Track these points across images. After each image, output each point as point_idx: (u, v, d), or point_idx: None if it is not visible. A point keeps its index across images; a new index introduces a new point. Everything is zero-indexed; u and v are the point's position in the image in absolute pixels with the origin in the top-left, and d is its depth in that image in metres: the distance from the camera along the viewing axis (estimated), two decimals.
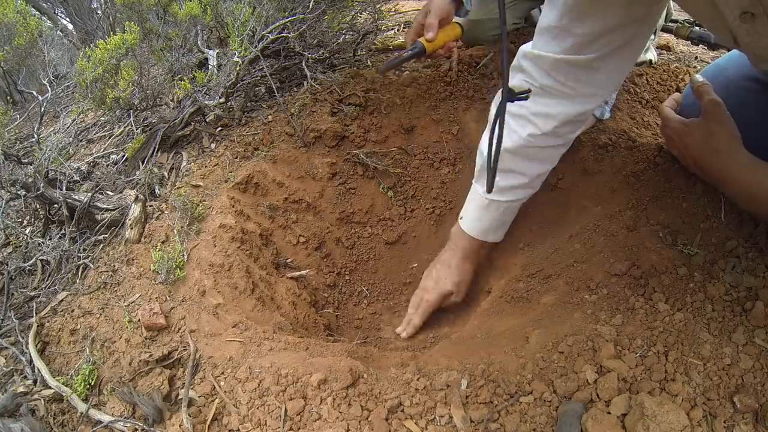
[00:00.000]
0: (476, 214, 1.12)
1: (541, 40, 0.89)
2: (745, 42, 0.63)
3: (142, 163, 1.34)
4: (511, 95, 0.65)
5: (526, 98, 0.68)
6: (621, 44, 0.86)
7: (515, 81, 0.98)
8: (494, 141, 0.65)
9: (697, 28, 1.48)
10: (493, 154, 0.66)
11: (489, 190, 0.69)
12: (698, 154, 0.89)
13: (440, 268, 1.23)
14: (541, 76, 0.91)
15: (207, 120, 1.47)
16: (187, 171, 1.32)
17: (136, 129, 1.38)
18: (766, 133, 0.83)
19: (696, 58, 1.55)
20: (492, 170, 0.68)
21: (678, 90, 1.37)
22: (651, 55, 1.43)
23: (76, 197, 1.16)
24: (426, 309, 1.24)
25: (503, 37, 0.61)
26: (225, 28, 1.56)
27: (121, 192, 1.24)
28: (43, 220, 1.23)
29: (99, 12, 2.40)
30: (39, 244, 1.13)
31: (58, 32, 2.53)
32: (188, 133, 1.43)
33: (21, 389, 0.87)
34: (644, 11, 0.82)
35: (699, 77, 0.90)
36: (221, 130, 1.46)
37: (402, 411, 0.75)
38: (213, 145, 1.40)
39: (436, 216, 1.50)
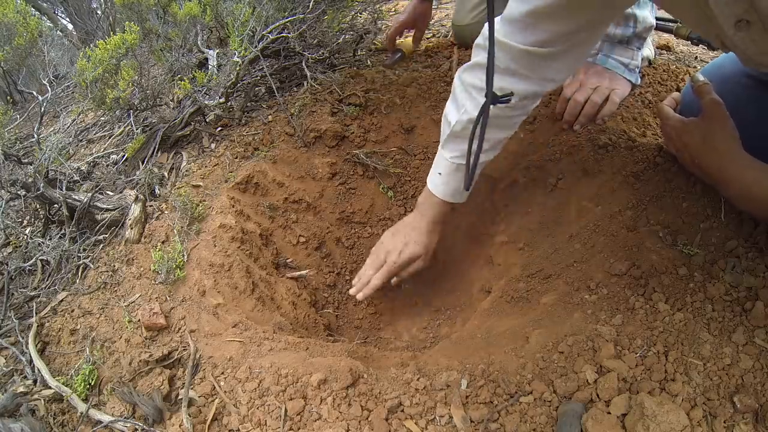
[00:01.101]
0: (445, 178, 1.16)
1: (508, 28, 0.90)
2: (741, 50, 0.63)
3: (142, 163, 1.34)
4: (494, 98, 0.68)
5: (508, 101, 0.72)
6: (584, 39, 0.89)
7: (478, 58, 1.00)
8: (474, 143, 0.70)
9: None
10: (473, 156, 0.70)
11: (467, 187, 0.76)
12: (697, 154, 0.89)
13: (410, 231, 1.24)
14: (504, 60, 0.93)
15: (207, 120, 1.47)
16: (187, 171, 1.32)
17: (136, 129, 1.38)
18: (761, 129, 0.84)
19: (696, 58, 1.55)
20: (471, 170, 0.74)
21: (678, 90, 1.37)
22: (649, 52, 1.43)
23: (76, 197, 1.16)
24: (391, 271, 1.23)
25: (490, 42, 0.62)
26: (225, 28, 1.56)
27: (121, 192, 1.24)
28: (43, 220, 1.23)
29: (99, 12, 2.40)
30: (39, 244, 1.13)
31: (58, 32, 2.53)
32: (188, 133, 1.43)
33: (21, 389, 0.87)
34: (612, 14, 0.84)
35: (700, 76, 0.90)
36: (221, 130, 1.46)
37: (402, 411, 0.75)
38: (213, 145, 1.40)
39: None
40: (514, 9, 0.88)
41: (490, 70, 0.65)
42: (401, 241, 1.23)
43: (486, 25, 0.98)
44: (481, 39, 1.00)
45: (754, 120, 0.85)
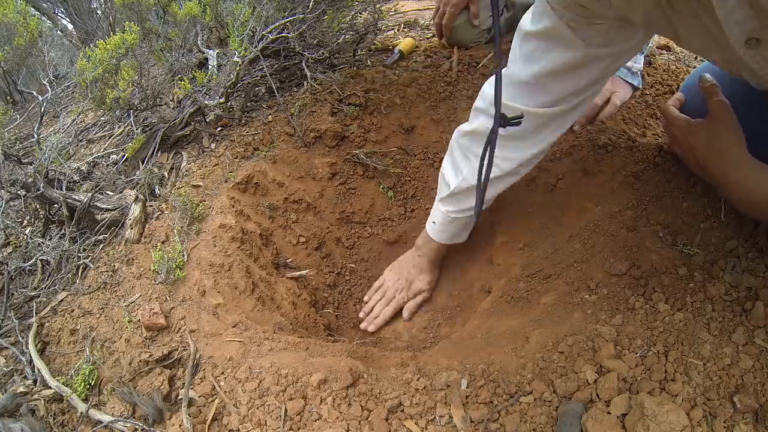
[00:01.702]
0: (442, 227, 1.24)
1: (513, 92, 0.89)
2: (752, 69, 0.63)
3: (142, 163, 1.34)
4: (504, 121, 0.66)
5: (518, 124, 0.70)
6: (593, 92, 0.90)
7: (476, 124, 1.00)
8: (483, 170, 0.70)
9: None
10: (482, 183, 0.70)
11: (477, 217, 0.76)
12: (702, 155, 0.89)
13: (412, 270, 1.35)
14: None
15: (207, 120, 1.47)
16: (187, 171, 1.32)
17: (136, 129, 1.38)
18: (749, 125, 0.84)
19: (696, 57, 1.55)
20: (479, 201, 0.72)
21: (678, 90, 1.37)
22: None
23: (76, 197, 1.16)
24: (400, 306, 1.35)
25: (497, 61, 0.62)
26: (225, 28, 1.56)
27: (121, 192, 1.24)
28: (43, 220, 1.23)
29: (99, 12, 2.40)
30: (39, 244, 1.13)
31: (58, 32, 2.53)
32: (188, 133, 1.43)
33: (21, 389, 0.87)
34: (619, 64, 0.87)
35: (708, 76, 0.89)
36: (221, 130, 1.46)
37: (402, 411, 0.75)
38: (213, 145, 1.40)
39: None
40: (520, 71, 0.86)
41: (498, 81, 0.62)
42: (406, 279, 1.34)
43: (488, 91, 0.97)
44: (481, 102, 0.99)
45: (742, 114, 0.85)
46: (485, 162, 0.69)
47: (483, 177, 0.69)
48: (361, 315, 1.37)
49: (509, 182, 1.08)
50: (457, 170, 1.10)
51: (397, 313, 1.35)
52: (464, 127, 1.06)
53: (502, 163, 1.01)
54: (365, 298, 1.40)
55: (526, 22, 0.84)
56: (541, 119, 0.91)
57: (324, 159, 1.44)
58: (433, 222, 1.24)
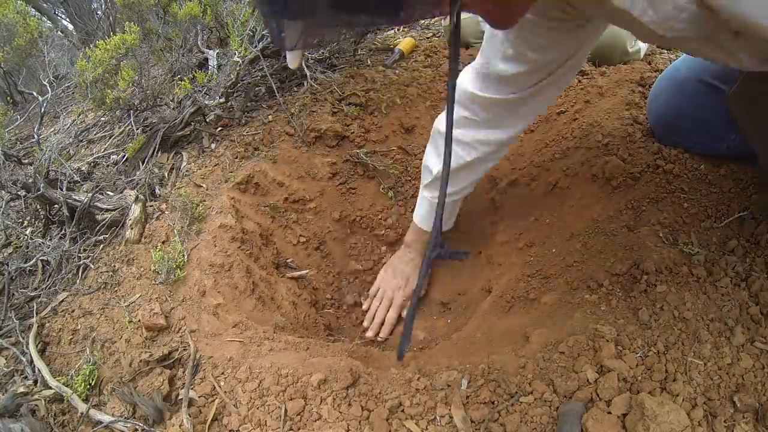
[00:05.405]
0: (429, 215, 1.25)
1: (484, 84, 0.95)
2: (741, 57, 0.63)
3: (143, 164, 1.34)
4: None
5: None
6: (557, 79, 0.92)
7: (457, 114, 1.03)
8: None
9: None
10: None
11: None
12: None
13: (405, 268, 1.35)
14: (483, 111, 1.00)
15: (207, 120, 1.47)
16: (187, 171, 1.32)
17: (136, 129, 1.38)
18: (716, 131, 0.91)
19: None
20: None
21: None
22: (640, 44, 1.44)
23: (77, 197, 1.16)
24: (402, 306, 1.33)
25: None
26: (225, 28, 1.56)
27: (121, 192, 1.24)
28: (43, 221, 1.23)
29: (99, 12, 2.40)
30: (39, 244, 1.13)
31: (58, 33, 2.53)
32: (188, 133, 1.43)
33: (21, 389, 0.87)
34: (584, 51, 0.90)
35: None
36: (221, 130, 1.46)
37: (402, 411, 0.75)
38: (213, 145, 1.40)
39: None
40: (488, 67, 0.91)
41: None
42: (402, 279, 1.34)
43: (464, 84, 0.99)
44: (462, 96, 1.01)
45: (708, 121, 0.92)
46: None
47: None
48: (365, 324, 1.33)
49: (491, 162, 1.13)
50: (439, 156, 1.15)
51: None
52: (442, 115, 1.10)
53: (483, 147, 1.06)
54: (364, 307, 1.36)
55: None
56: (509, 106, 0.96)
57: (324, 159, 1.44)
58: (420, 213, 1.27)
